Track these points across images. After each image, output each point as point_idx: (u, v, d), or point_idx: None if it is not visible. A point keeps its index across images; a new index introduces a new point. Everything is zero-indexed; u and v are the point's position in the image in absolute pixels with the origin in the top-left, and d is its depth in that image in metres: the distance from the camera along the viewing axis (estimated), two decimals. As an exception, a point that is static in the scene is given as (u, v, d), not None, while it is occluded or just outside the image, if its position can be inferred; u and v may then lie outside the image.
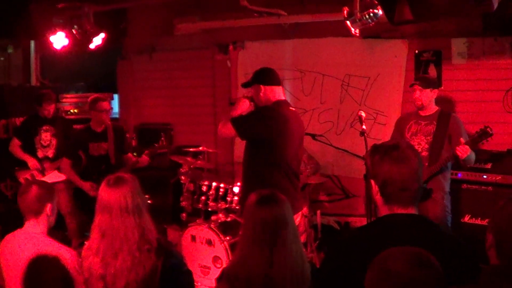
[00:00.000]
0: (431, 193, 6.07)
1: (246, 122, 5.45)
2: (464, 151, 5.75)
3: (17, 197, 4.22)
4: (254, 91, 5.62)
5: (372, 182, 2.95)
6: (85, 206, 7.05)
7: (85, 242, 3.78)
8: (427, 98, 6.28)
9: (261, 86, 5.54)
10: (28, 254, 3.90)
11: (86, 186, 7.01)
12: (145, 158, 7.38)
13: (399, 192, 2.84)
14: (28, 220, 4.14)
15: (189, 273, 3.77)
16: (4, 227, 7.11)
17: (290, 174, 5.52)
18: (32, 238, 4.05)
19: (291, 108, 5.68)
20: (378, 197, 2.94)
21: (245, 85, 5.78)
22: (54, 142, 7.81)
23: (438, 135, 6.19)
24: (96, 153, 7.20)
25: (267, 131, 5.37)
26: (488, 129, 5.76)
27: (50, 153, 7.79)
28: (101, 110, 7.15)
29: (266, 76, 5.61)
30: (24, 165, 7.71)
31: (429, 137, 6.24)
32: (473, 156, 5.93)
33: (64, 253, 3.93)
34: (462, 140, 5.82)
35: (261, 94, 5.55)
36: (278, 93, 5.61)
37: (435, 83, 6.49)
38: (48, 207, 4.14)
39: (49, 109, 7.74)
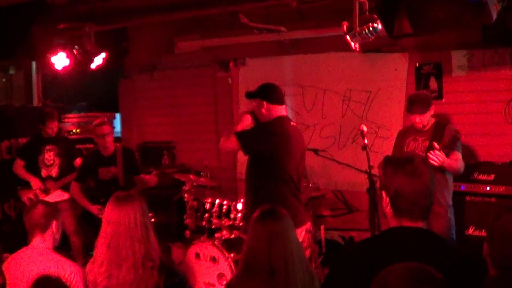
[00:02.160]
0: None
1: (251, 137, 5.50)
2: (436, 158, 5.68)
3: (23, 215, 4.27)
4: (256, 105, 5.64)
5: (384, 193, 2.94)
6: (92, 228, 7.05)
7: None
8: (426, 118, 6.26)
9: (264, 102, 5.57)
10: (34, 270, 3.97)
11: (94, 210, 6.99)
12: (153, 179, 7.38)
13: (409, 206, 2.84)
14: (34, 236, 4.19)
15: (191, 291, 3.80)
16: (8, 247, 7.10)
17: (294, 188, 5.55)
18: (39, 254, 4.11)
19: (292, 123, 5.73)
20: (388, 209, 2.93)
21: (249, 95, 5.77)
22: (57, 161, 7.83)
23: (430, 148, 6.17)
24: (105, 178, 7.19)
25: (270, 147, 5.41)
26: (456, 133, 5.76)
27: (53, 172, 7.80)
28: (100, 135, 7.14)
29: (271, 94, 5.64)
30: (27, 185, 7.73)
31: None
32: (454, 164, 5.98)
33: (69, 269, 3.98)
34: (436, 145, 5.75)
35: (263, 110, 5.58)
36: (280, 110, 5.65)
37: (431, 100, 6.41)
38: (54, 224, 4.22)
39: (53, 127, 7.78)
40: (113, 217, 3.58)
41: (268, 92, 5.65)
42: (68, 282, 3.94)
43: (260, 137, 5.46)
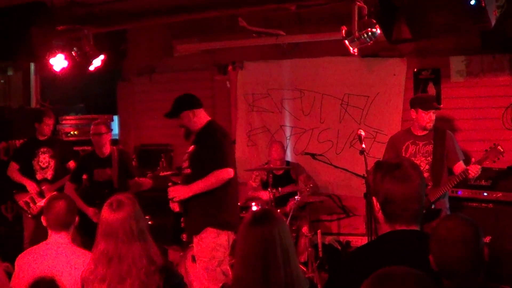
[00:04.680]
0: (440, 214, 6.09)
1: (226, 157, 5.58)
2: (477, 171, 5.83)
3: (43, 214, 4.24)
4: (185, 118, 5.73)
5: (374, 199, 2.93)
6: (86, 228, 7.04)
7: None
8: (435, 119, 6.32)
9: (194, 110, 5.70)
10: (59, 264, 4.01)
11: (89, 212, 7.01)
12: (148, 181, 7.40)
13: (400, 211, 2.82)
14: (58, 233, 4.17)
15: (189, 293, 3.79)
16: (4, 249, 7.08)
17: (236, 191, 5.84)
18: (62, 249, 4.12)
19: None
20: (379, 215, 2.92)
21: (171, 115, 5.85)
22: (52, 163, 7.81)
23: (437, 155, 6.21)
24: (100, 179, 7.23)
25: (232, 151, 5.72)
26: (498, 147, 5.82)
27: (48, 174, 7.79)
28: (95, 134, 7.24)
29: (193, 100, 5.79)
30: (22, 188, 7.70)
31: (429, 158, 6.25)
32: None
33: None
34: (473, 160, 5.88)
35: (195, 118, 5.71)
36: (205, 113, 5.80)
37: None
38: (77, 218, 4.26)
39: (49, 124, 7.79)
40: (110, 229, 3.53)
41: (190, 100, 5.81)
42: None
43: (227, 151, 5.63)
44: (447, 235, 2.69)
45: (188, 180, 5.68)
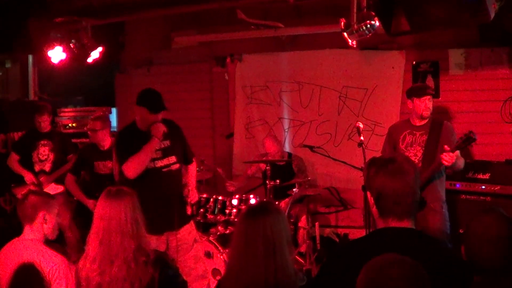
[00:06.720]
0: (425, 203, 6.05)
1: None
2: (449, 159, 5.69)
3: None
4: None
5: (368, 194, 2.95)
6: (87, 222, 7.04)
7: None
8: (432, 107, 6.30)
9: None
10: (19, 260, 3.98)
11: (90, 204, 7.00)
12: None
13: (392, 205, 2.83)
14: (25, 227, 4.18)
15: (184, 284, 3.80)
16: (3, 241, 7.08)
17: None
18: (25, 245, 4.10)
19: None
20: (374, 210, 2.93)
21: (164, 107, 5.66)
22: (51, 156, 7.80)
23: (430, 144, 6.16)
24: (101, 172, 7.22)
25: None
26: (471, 134, 5.74)
27: (47, 167, 7.76)
28: (90, 129, 7.31)
29: None
30: (20, 181, 7.69)
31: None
32: (460, 161, 5.94)
33: (52, 262, 3.99)
34: (447, 147, 5.75)
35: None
36: None
37: None
38: (41, 214, 4.15)
39: (40, 121, 7.74)
40: (104, 213, 3.58)
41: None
42: (50, 275, 3.93)
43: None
44: (482, 232, 2.75)
45: (179, 174, 5.78)
